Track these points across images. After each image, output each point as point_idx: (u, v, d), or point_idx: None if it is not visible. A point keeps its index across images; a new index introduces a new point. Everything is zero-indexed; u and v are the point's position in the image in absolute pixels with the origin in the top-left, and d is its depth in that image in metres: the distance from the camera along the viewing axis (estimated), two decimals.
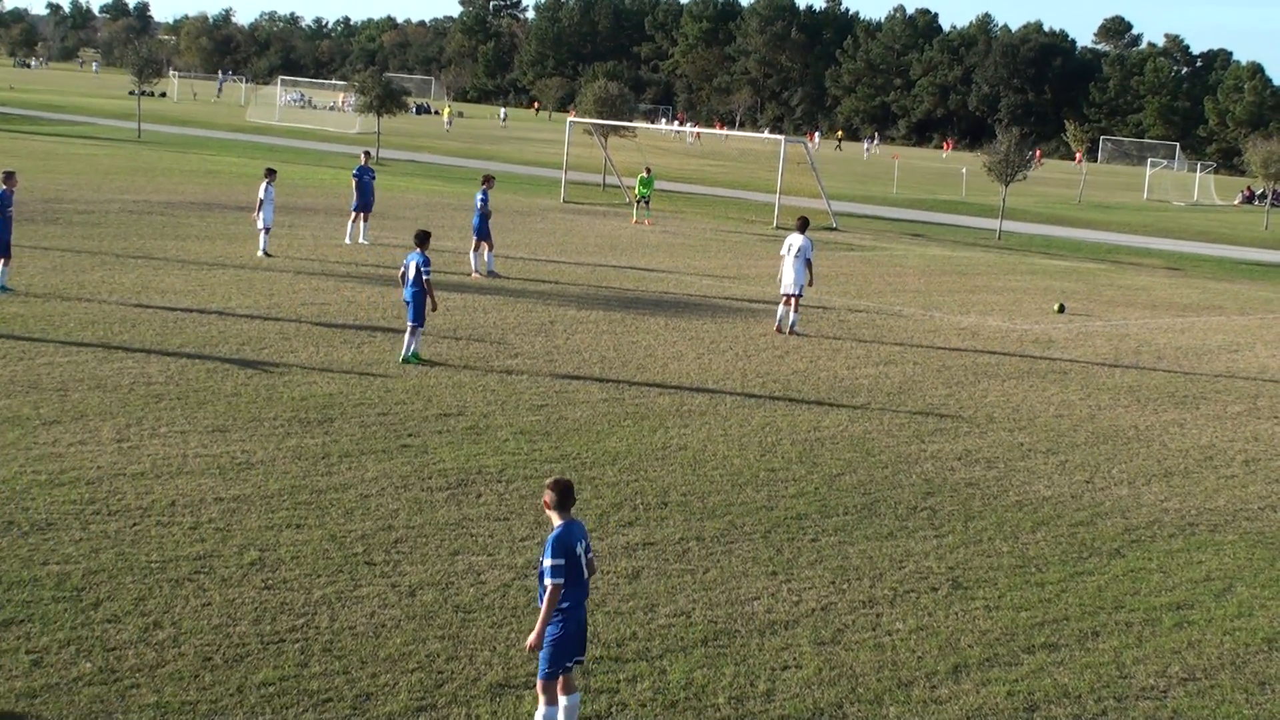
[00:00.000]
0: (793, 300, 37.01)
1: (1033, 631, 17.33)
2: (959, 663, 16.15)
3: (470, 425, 24.99)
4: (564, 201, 74.61)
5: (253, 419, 24.22)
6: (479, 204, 44.04)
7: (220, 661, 14.59)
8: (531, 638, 13.17)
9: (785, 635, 16.53)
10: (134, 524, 18.54)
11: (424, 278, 29.56)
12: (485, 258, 44.10)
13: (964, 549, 20.37)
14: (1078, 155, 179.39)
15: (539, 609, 13.02)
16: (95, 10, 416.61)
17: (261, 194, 43.95)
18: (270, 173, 45.36)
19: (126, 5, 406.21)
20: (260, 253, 43.62)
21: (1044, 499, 23.39)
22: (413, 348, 29.80)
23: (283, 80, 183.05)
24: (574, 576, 12.97)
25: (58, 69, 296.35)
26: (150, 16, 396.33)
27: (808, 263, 36.99)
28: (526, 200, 73.86)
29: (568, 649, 13.18)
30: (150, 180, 67.05)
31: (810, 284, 37.92)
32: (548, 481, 13.22)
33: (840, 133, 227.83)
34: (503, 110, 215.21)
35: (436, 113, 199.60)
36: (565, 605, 13.00)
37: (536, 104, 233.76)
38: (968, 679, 15.73)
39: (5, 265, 34.07)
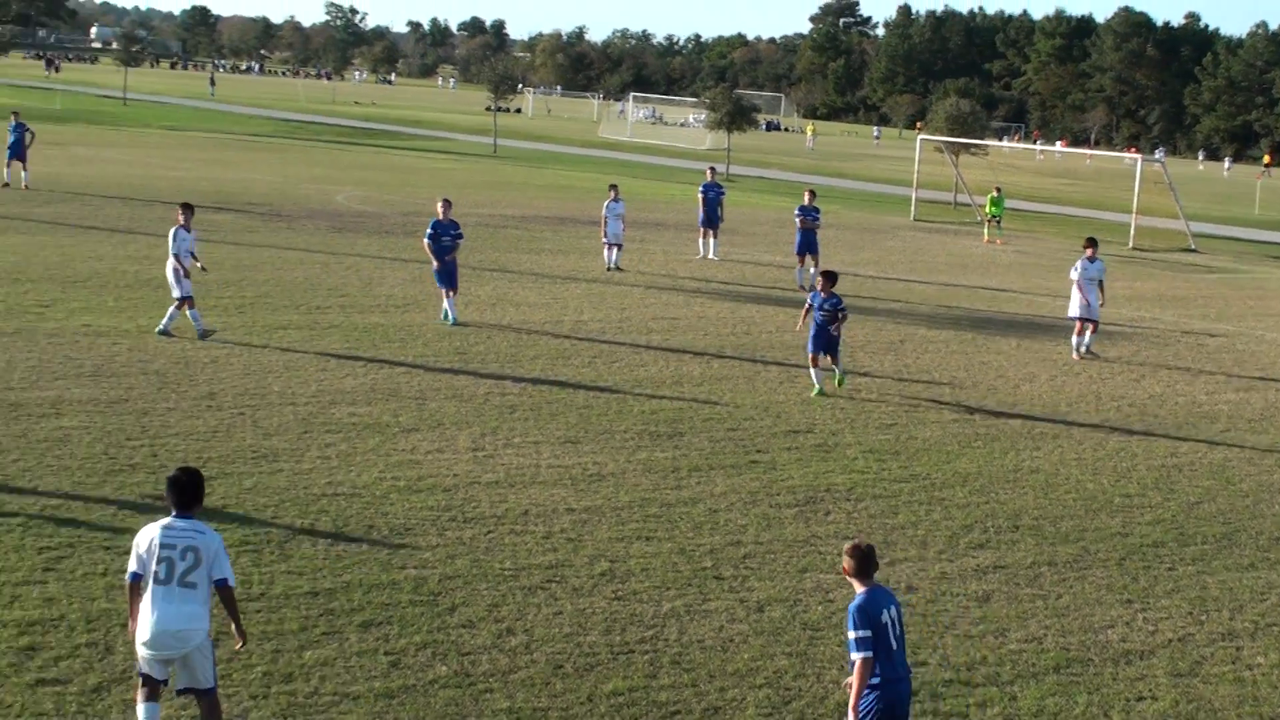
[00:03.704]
0: (1084, 323, 35.44)
1: None
2: None
3: (819, 443, 24.92)
4: (914, 220, 74.05)
5: (604, 431, 24.52)
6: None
7: (571, 670, 14.76)
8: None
9: (1140, 665, 16.09)
10: (488, 531, 18.91)
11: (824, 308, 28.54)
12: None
13: None
14: None
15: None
16: (453, 28, 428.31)
17: (605, 210, 44.50)
18: (613, 188, 45.79)
19: (483, 23, 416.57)
20: (610, 267, 44.13)
21: None
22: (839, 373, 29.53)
23: (634, 97, 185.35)
24: (883, 648, 11.82)
25: (417, 85, 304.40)
26: (506, 34, 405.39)
27: (1099, 284, 35.55)
28: (877, 218, 73.56)
29: None
30: (505, 194, 68.48)
31: (1102, 304, 36.38)
32: (846, 546, 12.26)
33: (1269, 157, 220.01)
34: (876, 129, 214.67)
35: (787, 129, 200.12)
36: (875, 680, 11.83)
37: (920, 124, 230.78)
38: None
39: (453, 296, 33.66)
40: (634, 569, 17.88)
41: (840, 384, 29.17)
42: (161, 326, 29.59)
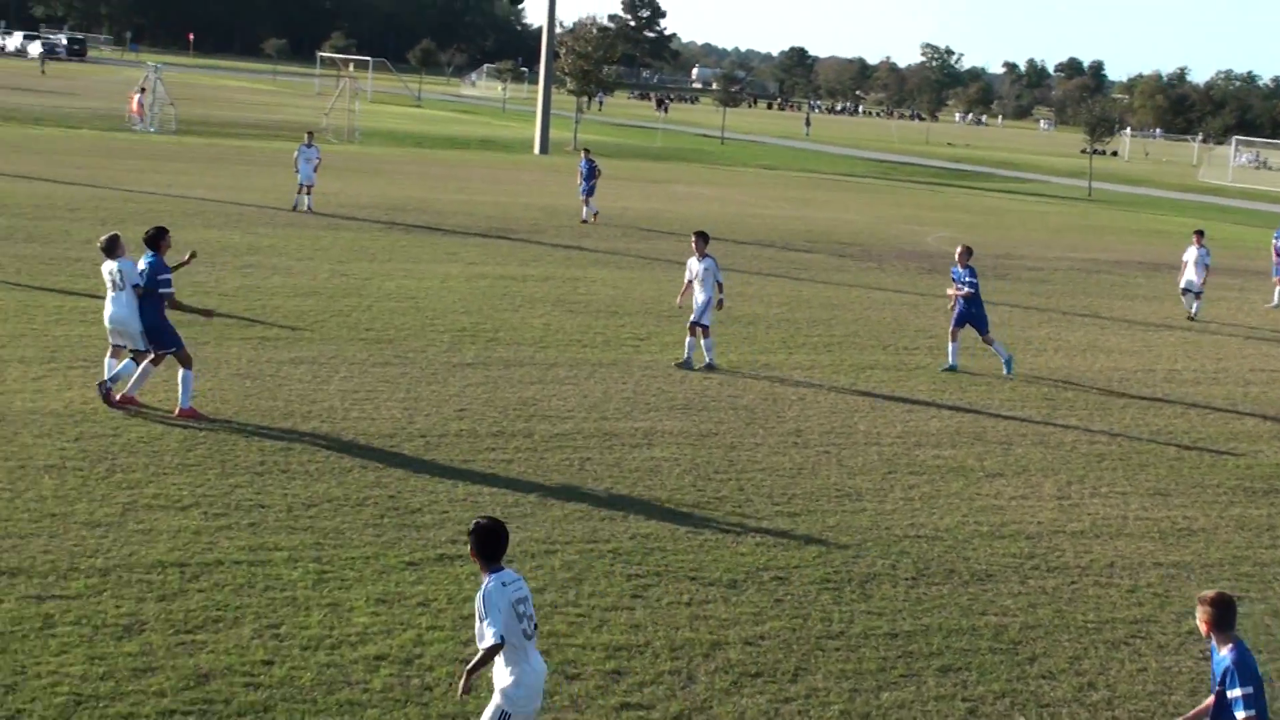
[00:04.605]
0: None
1: None
2: None
3: None
4: None
5: (1195, 484, 23.77)
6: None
7: None
8: None
9: None
10: (1071, 582, 18.56)
11: None
12: None
13: None
14: None
15: None
16: (1050, 69, 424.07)
17: (1187, 256, 43.20)
18: (1198, 234, 44.12)
19: (1081, 64, 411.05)
20: (1189, 315, 42.65)
21: None
22: None
23: (1237, 140, 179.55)
24: (1260, 705, 11.20)
25: (1010, 127, 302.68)
26: (1104, 75, 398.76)
27: None
28: None
29: None
30: (1099, 239, 67.23)
31: None
32: (1206, 595, 11.56)
33: None
34: None
35: None
36: None
37: None
38: None
39: (995, 343, 32.52)
40: None
41: None
42: (707, 360, 30.11)
